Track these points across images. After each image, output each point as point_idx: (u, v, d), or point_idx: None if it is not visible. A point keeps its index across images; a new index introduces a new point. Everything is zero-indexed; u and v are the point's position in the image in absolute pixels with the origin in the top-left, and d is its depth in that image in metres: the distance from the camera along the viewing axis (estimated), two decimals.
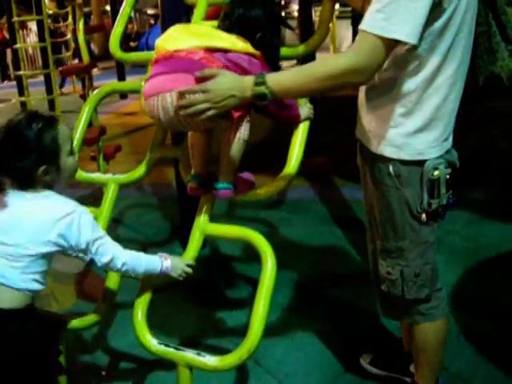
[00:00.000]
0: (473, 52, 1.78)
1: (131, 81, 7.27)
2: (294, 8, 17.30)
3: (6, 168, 1.75)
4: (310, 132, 2.17)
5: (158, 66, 1.88)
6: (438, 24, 1.63)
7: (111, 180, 2.41)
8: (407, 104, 1.74)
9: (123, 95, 8.57)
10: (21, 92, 7.65)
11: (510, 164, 4.26)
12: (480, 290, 3.10)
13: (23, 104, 7.62)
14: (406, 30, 1.55)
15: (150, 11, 16.42)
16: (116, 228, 4.10)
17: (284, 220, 4.17)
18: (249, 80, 1.71)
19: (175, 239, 3.95)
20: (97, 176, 2.54)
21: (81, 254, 1.82)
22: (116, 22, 2.73)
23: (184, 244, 2.19)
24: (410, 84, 1.72)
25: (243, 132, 1.97)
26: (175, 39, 1.91)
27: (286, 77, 1.73)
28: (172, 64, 1.85)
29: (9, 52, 12.26)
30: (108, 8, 13.01)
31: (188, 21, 3.10)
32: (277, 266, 1.94)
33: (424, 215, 1.82)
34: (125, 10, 2.75)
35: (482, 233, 3.81)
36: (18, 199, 1.77)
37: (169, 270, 1.97)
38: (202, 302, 3.11)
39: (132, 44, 14.59)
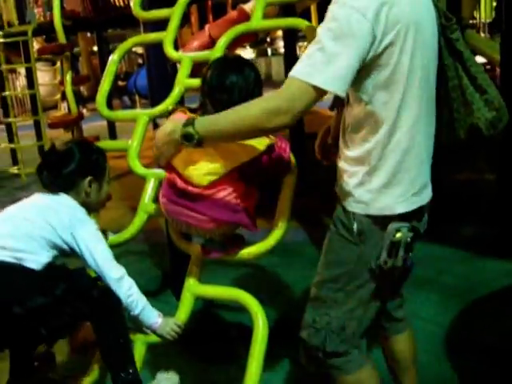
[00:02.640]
0: (448, 107, 1.81)
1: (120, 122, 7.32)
2: (280, 45, 17.59)
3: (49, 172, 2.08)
4: (299, 170, 2.19)
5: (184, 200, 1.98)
6: (381, 79, 1.66)
7: None
8: (370, 161, 1.74)
9: (112, 136, 8.58)
10: (10, 139, 7.68)
11: (499, 198, 4.26)
12: (474, 330, 3.09)
13: (13, 151, 7.64)
14: (326, 78, 1.58)
15: (139, 51, 16.57)
16: None
17: (277, 264, 4.14)
18: (180, 122, 1.82)
19: (167, 288, 3.92)
20: None
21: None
22: (102, 81, 2.77)
23: (176, 293, 2.19)
24: (371, 142, 1.73)
25: None
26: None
27: (214, 117, 1.79)
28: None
29: None
30: (95, 49, 13.13)
31: (173, 67, 3.15)
32: (268, 323, 1.99)
33: (377, 271, 1.80)
34: (110, 68, 2.79)
35: (474, 270, 3.81)
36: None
37: (157, 325, 2.06)
38: (196, 355, 3.07)
39: (121, 83, 14.64)
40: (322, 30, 1.62)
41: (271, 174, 2.07)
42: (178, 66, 2.69)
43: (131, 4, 3.02)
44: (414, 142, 1.74)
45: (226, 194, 1.94)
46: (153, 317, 2.06)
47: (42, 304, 1.87)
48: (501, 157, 4.12)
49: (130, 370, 1.99)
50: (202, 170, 1.91)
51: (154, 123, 6.55)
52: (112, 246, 2.41)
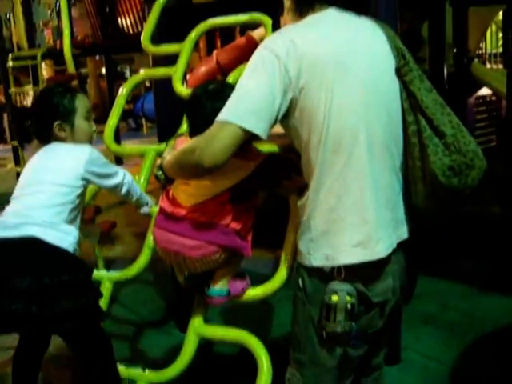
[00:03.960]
0: (411, 155, 1.68)
1: (126, 145, 7.35)
2: None
3: (32, 126, 2.24)
4: None
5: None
6: (305, 123, 1.62)
7: (105, 277, 2.42)
8: (308, 207, 1.67)
9: (119, 161, 8.60)
10: (17, 161, 7.70)
11: (504, 232, 4.25)
12: (478, 368, 3.04)
13: (19, 173, 7.64)
14: (238, 113, 1.57)
15: None
16: (111, 307, 4.06)
17: (283, 297, 4.07)
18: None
19: (171, 319, 3.89)
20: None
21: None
22: (110, 114, 2.78)
23: (179, 324, 2.19)
24: (309, 187, 1.67)
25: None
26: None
27: (171, 157, 1.81)
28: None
29: (5, 116, 12.36)
30: (104, 71, 13.26)
31: None
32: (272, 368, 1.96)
33: (325, 336, 1.67)
34: (119, 101, 2.80)
35: (479, 307, 3.75)
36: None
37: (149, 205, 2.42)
38: None
39: (126, 106, 14.69)
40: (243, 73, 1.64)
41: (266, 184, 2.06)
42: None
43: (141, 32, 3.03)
44: (349, 189, 1.61)
45: (212, 215, 1.93)
46: (147, 200, 2.40)
47: (67, 281, 1.94)
48: (506, 189, 4.12)
49: None
50: (188, 191, 1.93)
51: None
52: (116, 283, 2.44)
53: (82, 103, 2.25)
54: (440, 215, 1.76)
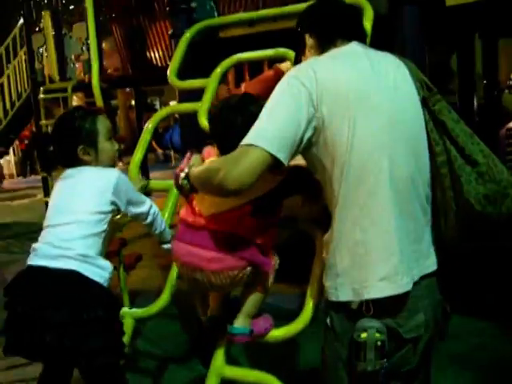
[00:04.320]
0: (441, 186, 1.66)
1: (154, 177, 7.40)
2: None
3: (55, 152, 2.22)
4: None
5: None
6: (326, 153, 1.60)
7: (128, 314, 2.39)
8: (333, 241, 1.64)
9: (146, 194, 8.67)
10: (46, 193, 7.79)
11: None
12: None
13: (47, 204, 7.73)
14: (263, 137, 1.55)
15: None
16: (135, 340, 4.03)
17: (307, 335, 4.02)
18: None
19: (193, 354, 3.83)
20: None
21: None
22: (136, 149, 2.79)
23: (203, 361, 2.16)
24: (330, 220, 1.65)
25: (268, 283, 1.99)
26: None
27: (198, 171, 1.78)
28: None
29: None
30: (133, 103, 13.44)
31: None
32: None
33: (355, 375, 1.62)
34: (145, 136, 2.81)
35: (510, 346, 3.63)
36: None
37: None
38: None
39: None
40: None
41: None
42: None
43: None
44: (374, 222, 1.58)
45: (232, 227, 1.88)
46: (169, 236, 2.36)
47: (102, 317, 1.96)
48: None
49: None
50: (210, 200, 1.88)
51: None
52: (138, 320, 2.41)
53: (103, 124, 2.22)
54: (469, 244, 1.75)
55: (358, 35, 1.79)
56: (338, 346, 1.66)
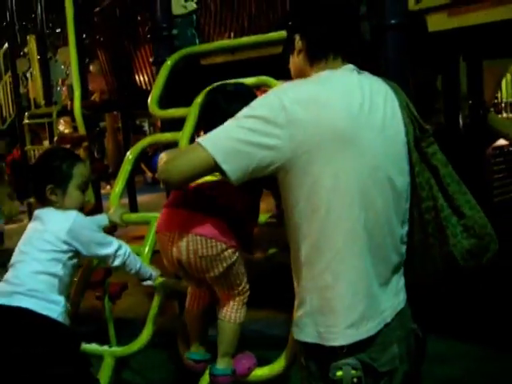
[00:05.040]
0: (424, 231, 1.62)
1: (142, 200, 7.34)
2: None
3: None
4: None
5: None
6: (303, 190, 1.52)
7: (107, 353, 2.34)
8: (302, 280, 1.59)
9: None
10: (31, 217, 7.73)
11: None
12: None
13: None
14: (217, 144, 1.53)
15: None
16: (121, 371, 3.95)
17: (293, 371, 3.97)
18: None
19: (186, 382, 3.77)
20: (93, 348, 2.46)
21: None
22: (116, 180, 2.75)
23: None
24: (300, 257, 1.58)
25: (239, 314, 1.95)
26: None
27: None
28: None
29: None
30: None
31: None
32: None
33: None
34: (125, 167, 2.77)
35: (505, 371, 3.56)
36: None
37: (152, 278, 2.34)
38: None
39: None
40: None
41: None
42: None
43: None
44: (347, 268, 1.53)
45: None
46: (149, 272, 2.32)
47: (54, 351, 2.00)
48: None
49: None
50: None
51: None
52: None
53: (79, 171, 2.23)
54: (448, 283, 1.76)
55: (355, 52, 1.68)
56: None
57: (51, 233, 2.09)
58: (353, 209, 1.51)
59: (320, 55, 1.64)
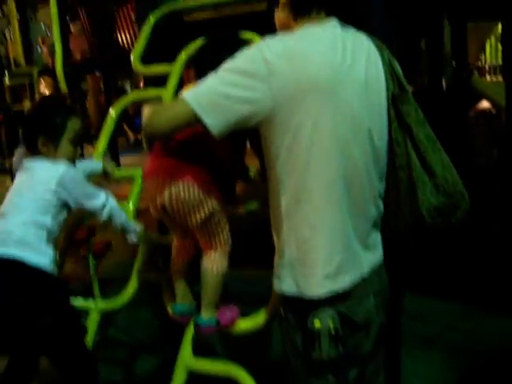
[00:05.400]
0: (396, 187, 1.66)
1: (125, 162, 7.32)
2: None
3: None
4: None
5: None
6: (284, 141, 1.55)
7: (94, 307, 2.37)
8: (282, 233, 1.63)
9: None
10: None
11: (505, 249, 4.19)
12: None
13: None
14: (199, 98, 1.58)
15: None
16: (106, 329, 4.00)
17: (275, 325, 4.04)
18: None
19: (166, 341, 3.82)
20: (79, 302, 2.49)
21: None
22: (100, 138, 2.74)
23: (175, 347, 2.17)
24: (280, 210, 1.61)
25: (221, 264, 1.99)
26: None
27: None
28: None
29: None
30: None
31: None
32: None
33: (312, 364, 1.63)
34: (109, 124, 2.77)
35: (480, 327, 3.69)
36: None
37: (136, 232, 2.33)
38: None
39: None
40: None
41: None
42: None
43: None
44: (325, 221, 1.57)
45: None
46: (133, 226, 2.32)
47: (42, 299, 2.03)
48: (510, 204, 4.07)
49: None
50: None
51: None
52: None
53: (73, 126, 2.22)
54: (418, 240, 1.79)
55: (338, 8, 1.70)
56: (293, 336, 1.66)
57: (41, 183, 2.09)
58: (332, 161, 1.54)
59: (303, 10, 1.66)
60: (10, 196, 2.16)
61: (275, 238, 1.68)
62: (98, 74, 15.58)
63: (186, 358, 2.06)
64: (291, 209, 1.58)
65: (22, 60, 7.74)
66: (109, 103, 10.48)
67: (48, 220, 2.08)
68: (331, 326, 1.56)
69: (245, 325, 2.04)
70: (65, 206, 2.13)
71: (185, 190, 1.93)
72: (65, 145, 2.20)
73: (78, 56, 7.04)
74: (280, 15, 1.73)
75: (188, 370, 2.06)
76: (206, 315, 2.01)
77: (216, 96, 1.56)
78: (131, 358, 3.64)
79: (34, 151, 2.19)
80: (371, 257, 1.68)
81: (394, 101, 1.64)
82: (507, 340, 3.48)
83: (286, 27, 1.70)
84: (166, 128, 1.69)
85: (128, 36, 7.45)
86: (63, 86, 3.62)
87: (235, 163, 2.07)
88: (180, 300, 2.18)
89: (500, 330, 3.62)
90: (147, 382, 3.30)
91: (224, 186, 2.01)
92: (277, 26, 1.77)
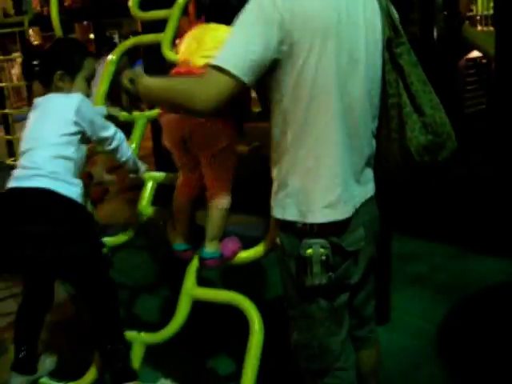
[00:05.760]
0: (388, 126, 1.75)
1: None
2: None
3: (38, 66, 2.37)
4: None
5: None
6: (290, 80, 1.62)
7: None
8: (285, 164, 1.71)
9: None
10: (7, 130, 7.63)
11: (494, 193, 4.29)
12: (466, 327, 3.12)
13: (9, 142, 7.58)
14: (232, 61, 1.58)
15: None
16: None
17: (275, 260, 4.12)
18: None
19: (164, 283, 3.95)
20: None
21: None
22: (100, 81, 2.78)
23: (173, 288, 2.24)
24: (284, 144, 1.69)
25: (224, 201, 2.07)
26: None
27: (156, 81, 1.78)
28: None
29: None
30: (92, 36, 13.03)
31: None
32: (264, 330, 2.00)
33: (304, 289, 1.73)
34: (108, 68, 2.79)
35: (468, 267, 3.84)
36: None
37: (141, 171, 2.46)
38: (193, 355, 3.07)
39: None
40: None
41: None
42: None
43: None
44: (327, 152, 1.66)
45: None
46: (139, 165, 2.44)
47: (77, 229, 2.12)
48: (497, 151, 4.14)
49: (121, 346, 2.20)
50: (198, 54, 2.05)
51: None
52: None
53: (89, 65, 2.35)
54: (408, 179, 1.87)
55: None
56: (288, 263, 1.77)
57: (59, 116, 2.17)
58: (332, 99, 1.62)
59: None
60: (27, 134, 2.22)
61: (276, 171, 1.76)
62: (86, 23, 15.31)
63: (190, 288, 2.15)
64: (297, 142, 1.66)
65: (11, 10, 7.59)
66: (99, 53, 10.38)
67: (72, 152, 2.15)
68: (322, 253, 1.67)
69: (246, 255, 2.14)
70: (84, 135, 2.20)
71: (207, 122, 1.99)
72: (80, 81, 2.31)
73: (69, 3, 6.95)
74: None
75: (192, 298, 2.15)
76: (211, 248, 2.09)
77: (247, 55, 1.58)
78: (132, 299, 3.75)
79: (48, 85, 2.28)
80: (363, 190, 1.79)
81: (389, 44, 1.71)
82: (494, 279, 3.62)
83: None
84: (215, 104, 1.62)
85: None
86: (59, 32, 3.60)
87: (246, 100, 2.13)
88: (181, 238, 2.26)
89: (485, 270, 3.77)
90: (148, 319, 3.40)
91: (237, 122, 2.09)
92: None
